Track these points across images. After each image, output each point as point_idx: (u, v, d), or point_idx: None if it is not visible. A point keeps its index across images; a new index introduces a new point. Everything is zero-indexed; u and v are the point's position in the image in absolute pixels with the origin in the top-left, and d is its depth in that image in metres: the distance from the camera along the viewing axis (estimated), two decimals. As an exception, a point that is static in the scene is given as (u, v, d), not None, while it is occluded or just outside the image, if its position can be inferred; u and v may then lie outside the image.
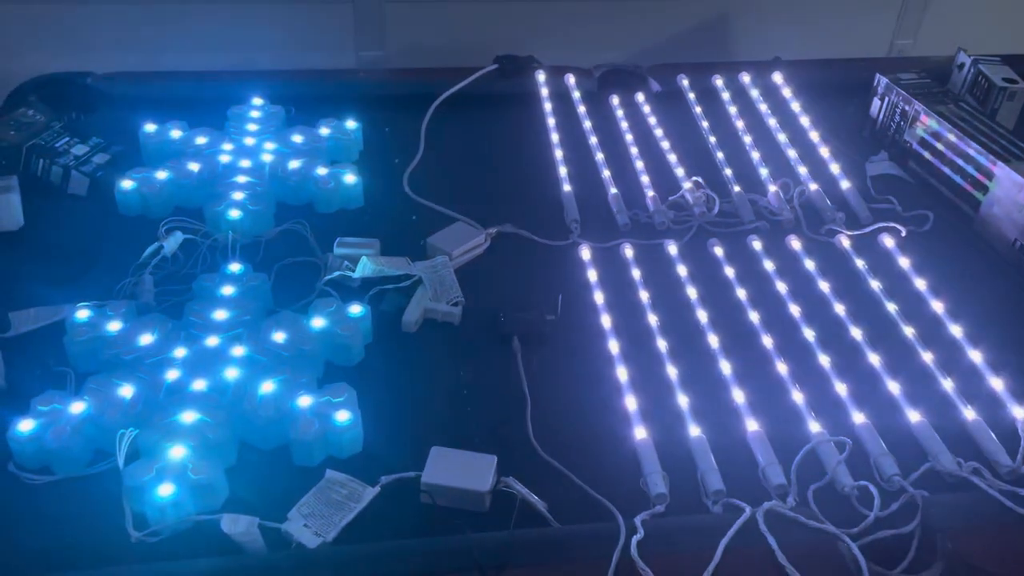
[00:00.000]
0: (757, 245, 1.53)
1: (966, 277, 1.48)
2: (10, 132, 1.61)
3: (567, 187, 1.64)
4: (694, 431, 1.16)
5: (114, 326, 1.25)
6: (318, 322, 1.27)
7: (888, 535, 1.03)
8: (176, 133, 1.67)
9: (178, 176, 1.57)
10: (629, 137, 1.79)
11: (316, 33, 2.27)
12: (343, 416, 1.13)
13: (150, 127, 1.67)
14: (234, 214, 1.47)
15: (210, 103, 1.76)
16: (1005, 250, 1.51)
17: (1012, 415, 1.21)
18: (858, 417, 1.19)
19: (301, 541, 1.01)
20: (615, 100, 1.91)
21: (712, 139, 1.79)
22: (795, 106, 1.89)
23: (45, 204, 1.55)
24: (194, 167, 1.59)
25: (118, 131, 1.68)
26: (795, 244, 1.53)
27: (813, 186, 1.65)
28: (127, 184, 1.53)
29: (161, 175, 1.55)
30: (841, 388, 1.24)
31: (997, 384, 1.25)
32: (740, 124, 1.84)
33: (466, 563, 0.99)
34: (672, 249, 1.51)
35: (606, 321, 1.34)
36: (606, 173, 1.68)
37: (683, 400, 1.21)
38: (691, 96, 1.92)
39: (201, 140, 1.66)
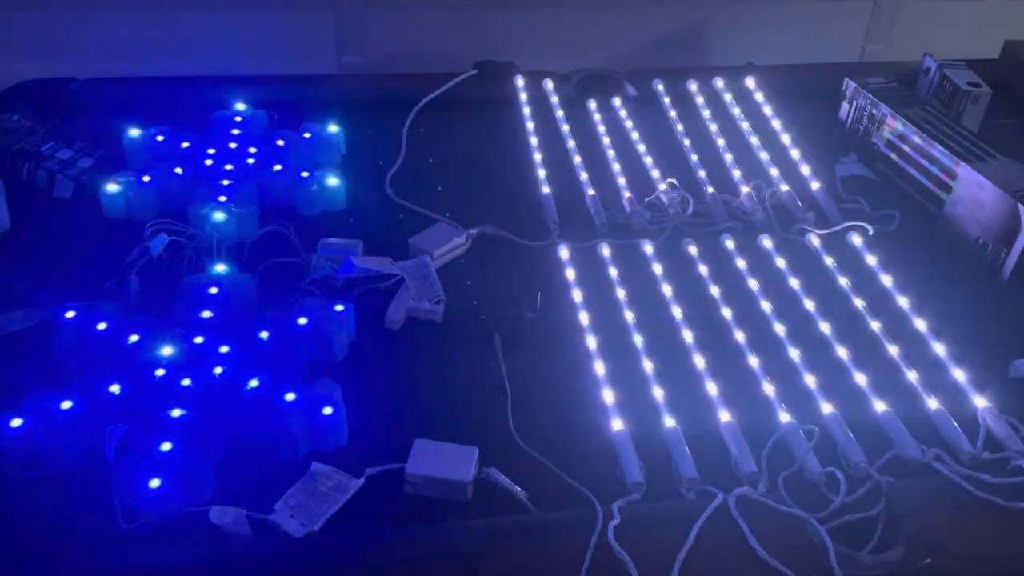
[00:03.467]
0: (730, 244, 1.57)
1: (931, 274, 1.53)
2: (-5, 137, 1.63)
3: (546, 189, 1.68)
4: (669, 422, 1.20)
5: (101, 326, 1.27)
6: (303, 320, 1.30)
7: (854, 519, 1.08)
8: (160, 137, 1.69)
9: (162, 179, 1.59)
10: (606, 140, 1.83)
11: (298, 39, 2.29)
12: (328, 410, 1.15)
13: (134, 131, 1.69)
14: (218, 216, 1.50)
15: (194, 108, 1.78)
16: (968, 247, 1.57)
17: (973, 404, 1.26)
18: (826, 407, 1.24)
19: (288, 531, 1.04)
20: (593, 104, 1.95)
21: (687, 142, 1.83)
22: (767, 110, 1.94)
23: (31, 207, 1.56)
24: (178, 171, 1.61)
25: (103, 136, 1.70)
26: (767, 243, 1.58)
27: (784, 187, 1.70)
28: (112, 187, 1.55)
29: (146, 178, 1.57)
30: (810, 380, 1.28)
31: (959, 375, 1.30)
32: (714, 127, 1.88)
33: (449, 550, 1.02)
34: (648, 248, 1.55)
35: (584, 318, 1.38)
36: (584, 175, 1.72)
37: (658, 393, 1.25)
38: (666, 100, 1.97)
39: (185, 144, 1.68)
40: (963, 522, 1.08)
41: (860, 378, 1.29)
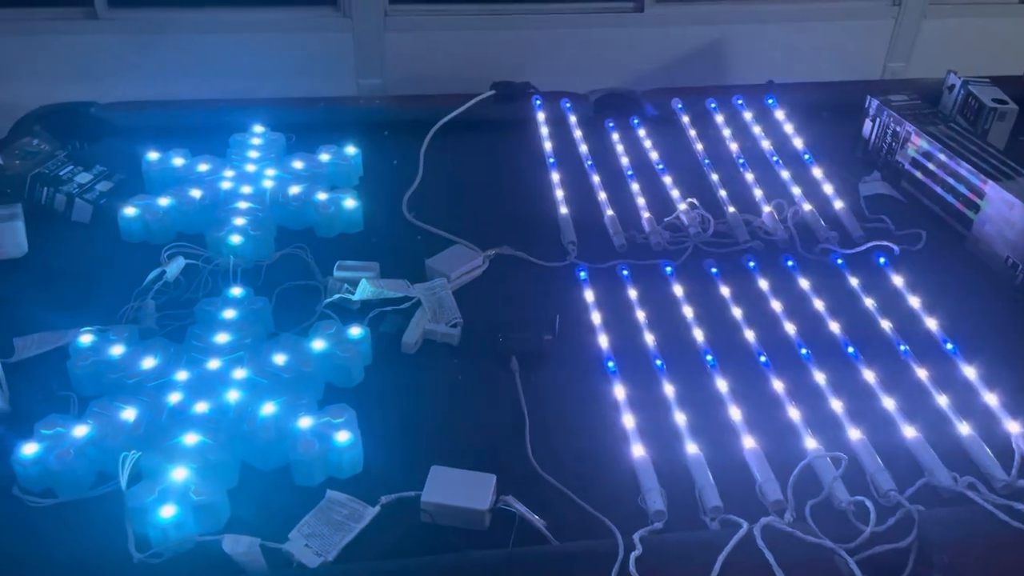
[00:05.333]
0: (752, 264, 1.54)
1: (959, 294, 1.49)
2: (15, 161, 1.63)
3: (564, 209, 1.66)
4: (691, 448, 1.17)
5: (117, 350, 1.26)
6: (318, 344, 1.28)
7: (885, 550, 1.04)
8: (178, 161, 1.69)
9: (180, 203, 1.59)
10: (625, 160, 1.82)
11: (317, 62, 2.31)
12: (343, 436, 1.14)
13: (153, 155, 1.69)
14: (235, 239, 1.49)
15: (212, 131, 1.79)
16: (997, 267, 1.53)
17: (1006, 430, 1.22)
18: (854, 433, 1.20)
19: (302, 561, 1.02)
20: (610, 124, 1.94)
21: (706, 161, 1.81)
22: (788, 128, 1.91)
23: (49, 231, 1.57)
24: (196, 194, 1.61)
25: (121, 159, 1.71)
26: (789, 263, 1.55)
27: (807, 206, 1.67)
28: (130, 211, 1.55)
29: (163, 202, 1.57)
30: (837, 404, 1.25)
31: (991, 399, 1.27)
32: (734, 146, 1.86)
33: (466, 581, 1.00)
34: (668, 269, 1.52)
35: (603, 341, 1.36)
36: (602, 195, 1.71)
37: (680, 418, 1.22)
38: (685, 119, 1.95)
39: (203, 167, 1.69)
40: (998, 553, 1.04)
41: (888, 402, 1.26)
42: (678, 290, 1.47)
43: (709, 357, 1.33)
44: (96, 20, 2.21)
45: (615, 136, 1.90)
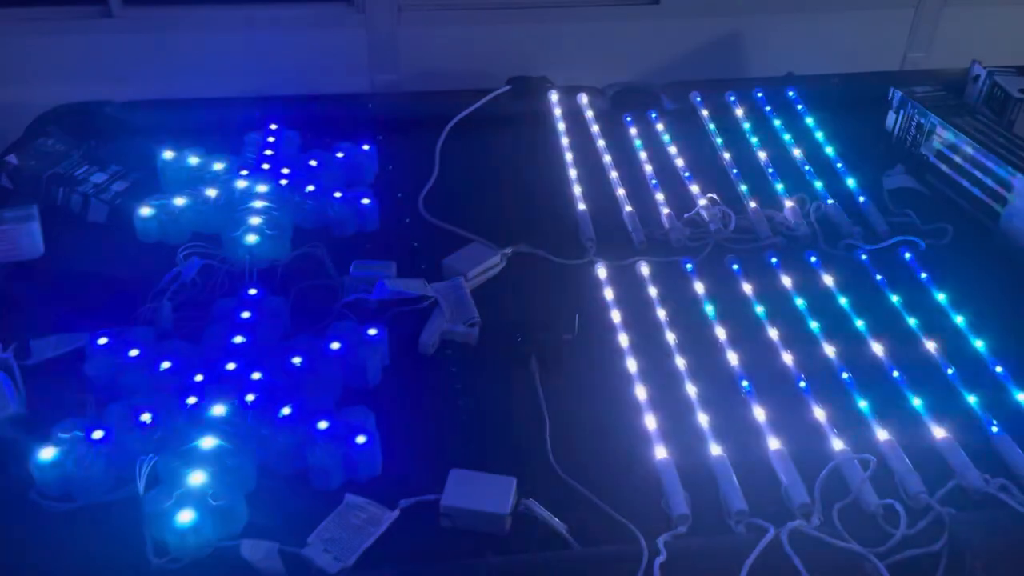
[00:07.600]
0: (774, 261, 1.52)
1: (987, 290, 1.46)
2: (31, 161, 1.63)
3: (582, 206, 1.64)
4: (715, 450, 1.15)
5: (133, 352, 1.25)
6: (335, 345, 1.27)
7: (916, 554, 1.02)
8: (193, 160, 1.68)
9: (196, 202, 1.58)
10: (643, 155, 1.79)
11: (330, 58, 2.29)
12: (361, 439, 1.12)
13: (168, 154, 1.68)
14: (251, 239, 1.48)
15: (227, 129, 1.78)
16: (1027, 262, 1.50)
17: (1039, 429, 1.19)
18: (881, 434, 1.18)
19: (321, 566, 1.01)
20: (628, 119, 1.91)
21: (727, 155, 1.78)
22: (809, 121, 1.88)
23: (65, 232, 1.56)
24: (211, 193, 1.60)
25: (137, 159, 1.69)
26: (813, 259, 1.52)
27: (830, 201, 1.65)
28: (146, 211, 1.54)
29: (179, 201, 1.56)
30: (863, 404, 1.22)
31: (1022, 397, 1.24)
32: (755, 140, 1.83)
33: (487, 587, 0.98)
34: (688, 266, 1.50)
35: (623, 340, 1.34)
36: (621, 191, 1.68)
37: (703, 418, 1.20)
38: (705, 113, 1.92)
39: (218, 166, 1.67)
40: (1033, 557, 1.02)
41: (917, 401, 1.23)
42: (699, 287, 1.45)
43: (732, 356, 1.31)
44: (111, 18, 2.20)
45: (633, 131, 1.87)
